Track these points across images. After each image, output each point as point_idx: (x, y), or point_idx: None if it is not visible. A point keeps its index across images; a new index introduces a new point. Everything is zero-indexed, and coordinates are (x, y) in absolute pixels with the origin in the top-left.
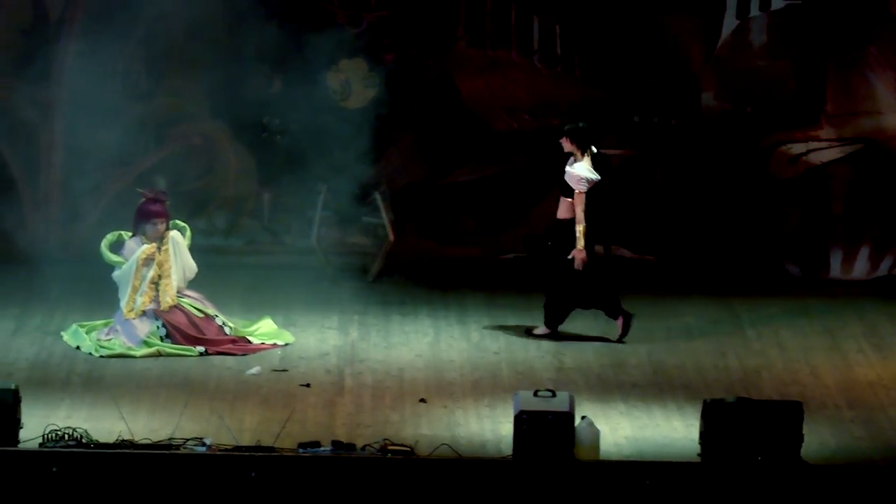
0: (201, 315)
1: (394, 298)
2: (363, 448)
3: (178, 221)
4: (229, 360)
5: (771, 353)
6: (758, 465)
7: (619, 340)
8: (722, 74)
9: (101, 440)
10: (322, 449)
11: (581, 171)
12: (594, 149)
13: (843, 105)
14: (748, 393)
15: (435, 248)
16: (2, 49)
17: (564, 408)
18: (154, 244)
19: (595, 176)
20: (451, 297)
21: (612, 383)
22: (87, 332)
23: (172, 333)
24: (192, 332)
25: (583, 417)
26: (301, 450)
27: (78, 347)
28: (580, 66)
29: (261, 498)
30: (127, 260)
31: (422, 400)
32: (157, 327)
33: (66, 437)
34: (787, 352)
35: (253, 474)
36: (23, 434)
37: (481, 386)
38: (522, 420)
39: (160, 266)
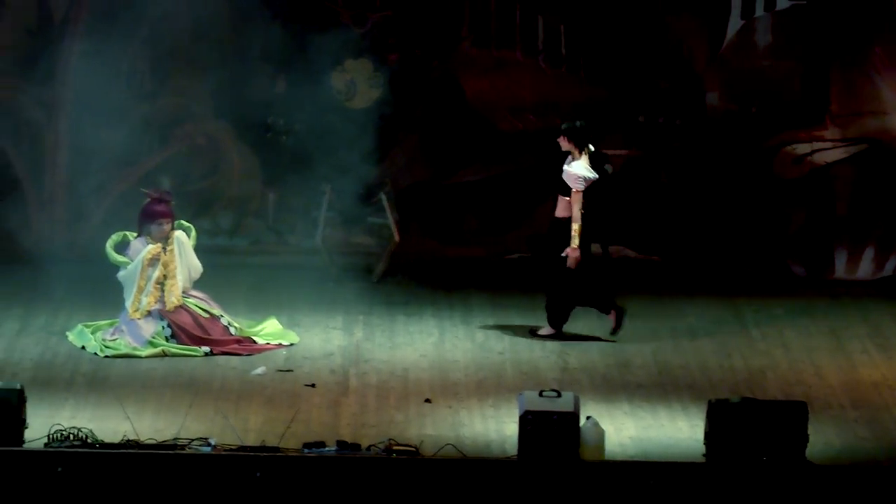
0: (207, 315)
1: (398, 299)
2: (368, 448)
3: (182, 222)
4: (234, 361)
5: (776, 354)
6: (762, 465)
7: (612, 334)
8: (727, 75)
9: (106, 440)
10: (327, 449)
11: (579, 169)
12: (592, 147)
13: (847, 105)
14: (753, 393)
15: (439, 249)
16: (6, 49)
17: (569, 408)
18: (159, 244)
19: (593, 174)
20: (455, 298)
21: (616, 383)
22: (92, 332)
23: (178, 334)
24: (198, 333)
25: (588, 418)
26: (306, 450)
27: (83, 347)
28: (585, 66)
29: (266, 498)
30: (132, 260)
31: (426, 400)
32: (163, 327)
33: (71, 437)
34: (792, 352)
35: (258, 474)
36: (28, 434)
37: (486, 386)
38: (527, 420)
39: (165, 266)
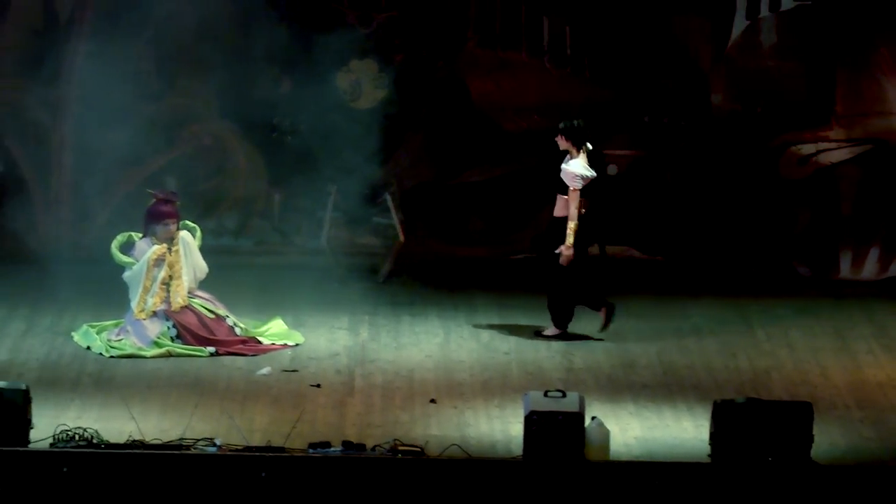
0: (212, 316)
1: (404, 299)
2: (373, 448)
3: (187, 222)
4: (240, 361)
5: (781, 354)
6: (768, 465)
7: (601, 331)
8: (732, 75)
9: (112, 440)
10: (332, 449)
11: (576, 168)
12: (590, 146)
13: (852, 106)
14: (758, 393)
15: (445, 249)
16: (12, 50)
17: (574, 408)
18: (164, 245)
19: (591, 173)
20: (460, 298)
21: (622, 384)
22: (97, 333)
23: (183, 334)
24: (203, 333)
25: (593, 418)
26: (311, 450)
27: (88, 348)
28: (590, 66)
29: (271, 498)
30: (138, 261)
31: (432, 400)
32: (168, 328)
33: (77, 437)
34: (797, 352)
35: (263, 474)
36: (33, 434)
37: (491, 386)
38: (532, 420)
39: (171, 267)
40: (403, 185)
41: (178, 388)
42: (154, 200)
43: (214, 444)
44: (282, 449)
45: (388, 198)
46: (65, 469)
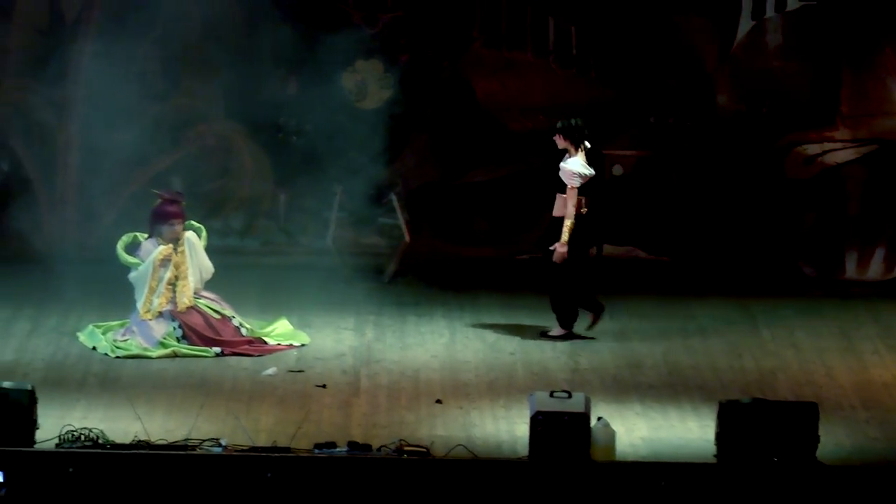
0: (218, 316)
1: (409, 299)
2: (379, 449)
3: (193, 222)
4: (245, 361)
5: (786, 354)
6: (773, 465)
7: (589, 329)
8: (737, 75)
9: (118, 441)
10: (338, 449)
11: (574, 166)
12: (588, 144)
13: (858, 106)
14: (764, 394)
15: (450, 249)
16: (18, 50)
17: (580, 409)
18: (170, 245)
19: (589, 171)
20: (466, 298)
21: (627, 384)
22: (103, 333)
23: (189, 334)
24: (209, 334)
25: (598, 418)
26: (317, 450)
27: (94, 348)
28: (595, 66)
29: (277, 498)
30: (143, 261)
31: (437, 401)
32: (174, 328)
33: (83, 437)
34: (803, 353)
35: (269, 475)
36: (39, 435)
37: (497, 387)
38: (538, 421)
39: (177, 267)
40: (409, 186)
41: (184, 389)
42: (160, 201)
43: (220, 445)
44: (287, 449)
45: (394, 198)
46: (70, 469)
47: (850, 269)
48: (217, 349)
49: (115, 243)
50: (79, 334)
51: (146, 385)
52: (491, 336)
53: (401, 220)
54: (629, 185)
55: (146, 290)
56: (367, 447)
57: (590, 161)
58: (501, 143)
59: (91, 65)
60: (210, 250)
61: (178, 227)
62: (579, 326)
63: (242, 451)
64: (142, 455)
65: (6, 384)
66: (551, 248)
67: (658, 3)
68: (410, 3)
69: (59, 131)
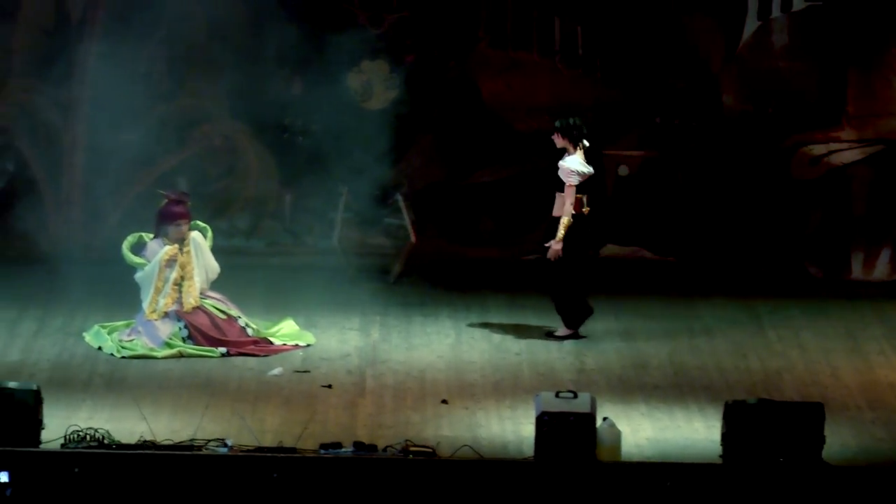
0: (224, 316)
1: (415, 300)
2: (385, 449)
3: (198, 222)
4: (251, 361)
5: (792, 355)
6: (779, 466)
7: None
8: (743, 75)
9: (123, 441)
10: (344, 450)
11: (572, 164)
12: (586, 143)
13: (864, 106)
14: (769, 394)
15: (456, 249)
16: (24, 50)
17: (586, 409)
18: (176, 245)
19: (587, 169)
20: (472, 299)
21: (633, 384)
22: (108, 333)
23: (194, 335)
24: (214, 334)
25: (604, 419)
26: (323, 451)
27: (100, 348)
28: (601, 67)
29: (282, 499)
30: (149, 262)
31: (443, 401)
32: (180, 328)
33: (88, 437)
34: (809, 353)
35: (275, 475)
36: (45, 435)
37: (503, 387)
38: (544, 421)
39: (183, 268)
40: (414, 186)
41: (190, 389)
42: (166, 201)
43: (226, 445)
44: (293, 450)
45: (400, 198)
46: (76, 469)
47: (856, 270)
48: (223, 349)
49: (121, 243)
50: (84, 334)
51: (152, 385)
52: (497, 336)
53: (406, 220)
54: (635, 186)
55: (152, 291)
56: (373, 448)
57: (589, 160)
58: (507, 144)
59: (96, 65)
60: (216, 250)
61: (184, 228)
62: (587, 327)
63: (248, 451)
64: (147, 455)
65: (12, 384)
66: (546, 244)
67: (664, 4)
68: (416, 3)
69: (64, 132)
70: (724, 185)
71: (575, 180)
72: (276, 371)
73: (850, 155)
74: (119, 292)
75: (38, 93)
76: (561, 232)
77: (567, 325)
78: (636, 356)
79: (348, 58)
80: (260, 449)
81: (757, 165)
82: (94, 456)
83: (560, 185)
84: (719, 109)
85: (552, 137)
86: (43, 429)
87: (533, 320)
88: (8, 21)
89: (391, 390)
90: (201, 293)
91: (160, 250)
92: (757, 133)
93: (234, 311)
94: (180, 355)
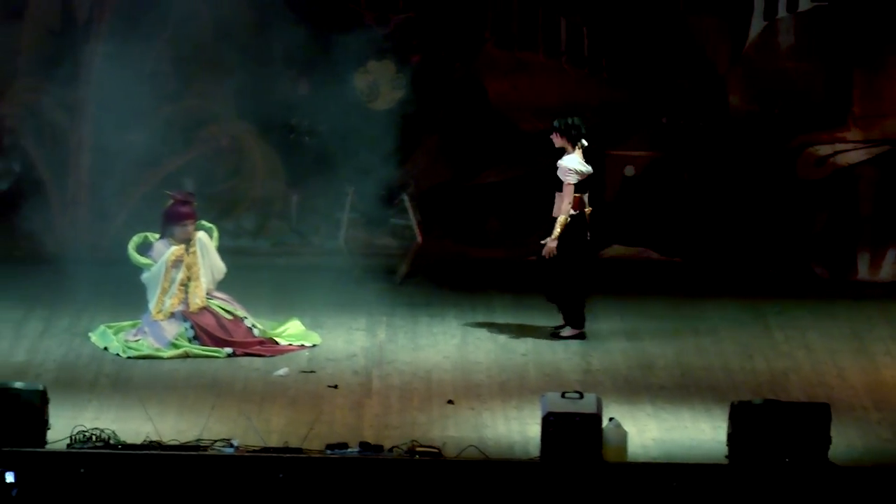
0: (230, 317)
1: (421, 300)
2: (391, 449)
3: (204, 222)
4: (257, 362)
5: (798, 355)
6: (785, 466)
7: (552, 331)
8: (749, 76)
9: (129, 441)
10: (349, 450)
11: (571, 162)
12: (585, 143)
13: (870, 107)
14: (776, 395)
15: (462, 250)
16: (30, 50)
17: (592, 409)
18: (182, 246)
19: (586, 168)
20: (478, 299)
21: (639, 385)
22: (114, 334)
23: (200, 335)
24: (220, 334)
25: (610, 419)
26: (329, 451)
27: (106, 348)
28: (607, 67)
29: (288, 499)
30: (156, 262)
31: (449, 401)
32: (186, 329)
33: (94, 438)
34: (815, 354)
35: (280, 475)
36: (50, 435)
37: (509, 387)
38: (550, 422)
39: (189, 268)
40: (421, 186)
41: (196, 389)
42: (172, 201)
43: (232, 445)
44: (299, 450)
45: (406, 199)
46: (82, 470)
47: (863, 270)
48: (229, 350)
49: (127, 244)
50: (90, 335)
51: (158, 386)
52: (503, 337)
53: (412, 220)
54: (641, 186)
55: (158, 291)
56: (379, 448)
57: (589, 160)
58: (513, 144)
59: (102, 65)
60: (222, 251)
61: (191, 228)
62: (593, 327)
63: (254, 451)
64: (153, 456)
65: (18, 385)
66: (542, 241)
67: (670, 4)
68: (422, 3)
69: (70, 132)
70: (731, 186)
71: (573, 179)
72: (282, 371)
73: (856, 155)
74: (125, 293)
75: (44, 93)
76: (557, 230)
77: (573, 326)
78: (642, 357)
79: (355, 58)
80: (266, 449)
81: (763, 166)
82: (99, 456)
83: (560, 185)
84: (725, 110)
85: (550, 137)
86: (49, 429)
87: (539, 321)
88: (14, 21)
89: (397, 391)
90: (207, 294)
91: (166, 251)
92: (763, 133)
93: (240, 312)
94: (186, 356)
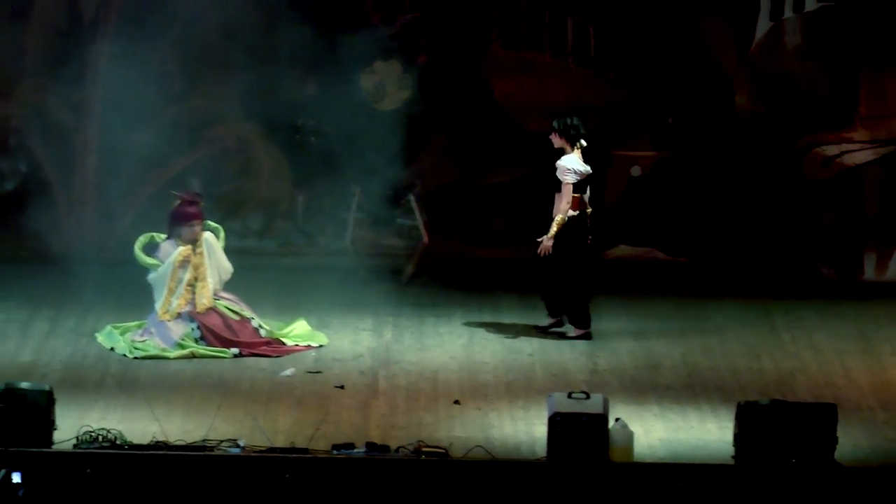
0: (237, 317)
1: (427, 300)
2: (397, 450)
3: (210, 223)
4: (263, 362)
5: (805, 356)
6: (792, 467)
7: (538, 328)
8: (756, 76)
9: (135, 441)
10: (356, 450)
11: (569, 162)
12: (584, 143)
13: (876, 107)
14: (782, 395)
15: (468, 250)
16: (36, 50)
17: (598, 410)
18: (189, 246)
19: (584, 168)
20: (484, 299)
21: (646, 385)
22: (121, 334)
23: (207, 335)
24: (227, 335)
25: (617, 419)
26: (335, 451)
27: (112, 349)
28: (614, 67)
29: (294, 499)
30: (163, 262)
31: (456, 402)
32: (192, 329)
33: (100, 438)
34: (821, 354)
35: (287, 476)
36: (57, 435)
37: (515, 388)
38: (556, 422)
39: (196, 269)
40: (427, 187)
41: (202, 390)
42: (178, 202)
43: (238, 446)
44: (305, 450)
45: (412, 199)
46: (88, 470)
47: (869, 271)
48: (235, 350)
49: (133, 244)
50: (97, 335)
51: (164, 386)
52: (509, 337)
53: (419, 221)
54: (647, 186)
55: (165, 292)
56: (386, 448)
57: (589, 160)
58: (520, 144)
59: (109, 66)
60: (228, 251)
61: (197, 228)
62: (600, 328)
63: (260, 451)
64: (159, 456)
65: (24, 385)
66: (538, 239)
67: (677, 4)
68: (429, 4)
69: (77, 132)
70: (737, 186)
71: (572, 178)
72: (289, 372)
73: (862, 156)
74: (131, 293)
75: (50, 93)
76: (553, 229)
77: (578, 326)
78: (649, 357)
79: (361, 58)
80: (272, 449)
81: (769, 166)
82: (106, 456)
83: (559, 186)
84: (732, 110)
85: (550, 137)
86: (55, 429)
87: (545, 321)
88: (20, 21)
89: (404, 391)
90: (214, 294)
91: (173, 251)
92: (769, 134)
93: (247, 312)
94: (192, 356)
